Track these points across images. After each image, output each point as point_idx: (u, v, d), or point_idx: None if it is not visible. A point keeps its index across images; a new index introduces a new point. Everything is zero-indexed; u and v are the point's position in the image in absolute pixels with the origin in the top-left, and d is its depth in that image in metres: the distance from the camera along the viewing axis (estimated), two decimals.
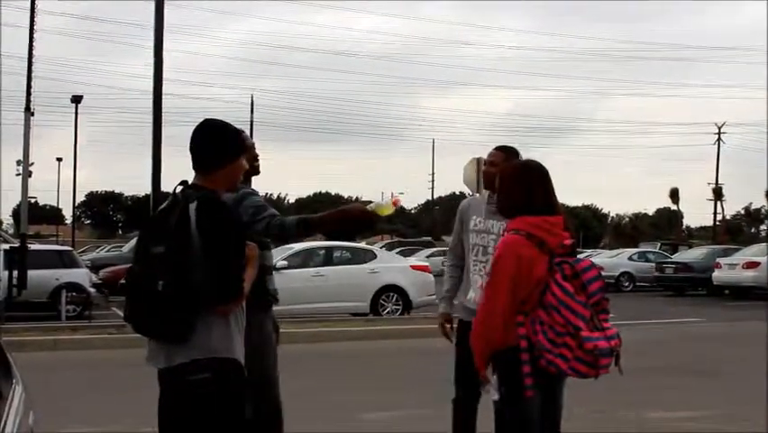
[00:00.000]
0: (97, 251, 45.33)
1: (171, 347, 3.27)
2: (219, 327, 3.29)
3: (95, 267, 26.18)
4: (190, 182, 3.43)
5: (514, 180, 3.88)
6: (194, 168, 3.46)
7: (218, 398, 3.27)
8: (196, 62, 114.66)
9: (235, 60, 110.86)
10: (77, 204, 62.54)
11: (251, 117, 49.61)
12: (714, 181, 66.13)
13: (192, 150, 3.45)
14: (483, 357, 3.77)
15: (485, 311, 3.74)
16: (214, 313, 3.26)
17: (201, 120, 3.50)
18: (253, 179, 4.48)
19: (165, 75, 14.97)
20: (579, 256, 3.87)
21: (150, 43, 15.05)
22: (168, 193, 3.45)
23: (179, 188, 3.39)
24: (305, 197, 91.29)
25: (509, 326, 3.67)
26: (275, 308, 4.63)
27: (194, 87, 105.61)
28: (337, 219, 3.84)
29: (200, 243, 3.21)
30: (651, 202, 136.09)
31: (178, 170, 3.54)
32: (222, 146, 3.44)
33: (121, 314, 3.61)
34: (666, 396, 8.68)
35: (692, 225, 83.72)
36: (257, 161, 4.51)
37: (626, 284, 30.53)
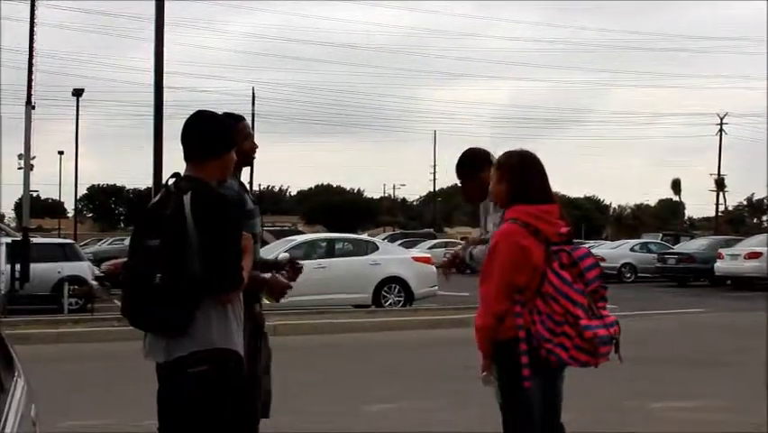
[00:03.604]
0: (99, 244, 45.46)
1: (170, 341, 3.27)
2: (217, 318, 3.29)
3: (97, 260, 26.27)
4: (182, 174, 3.44)
5: (508, 170, 3.87)
6: (185, 158, 3.47)
7: (218, 389, 3.27)
8: (199, 55, 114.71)
9: (238, 53, 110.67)
10: (78, 197, 62.50)
11: (253, 109, 49.55)
12: (716, 172, 66.08)
13: (184, 141, 3.46)
14: (484, 350, 3.79)
15: (482, 305, 3.76)
16: (211, 305, 3.26)
17: (193, 112, 3.51)
18: (248, 169, 4.48)
19: (167, 68, 15.07)
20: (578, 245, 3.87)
21: (152, 36, 15.05)
22: None
23: (172, 181, 3.39)
24: (306, 189, 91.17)
25: (508, 316, 3.67)
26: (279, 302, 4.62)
27: (197, 79, 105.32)
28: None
29: (196, 233, 3.21)
30: (653, 193, 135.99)
31: (180, 162, 3.54)
32: (214, 137, 3.45)
33: None
34: (668, 386, 8.69)
35: (694, 216, 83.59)
36: (255, 150, 4.50)
37: (628, 275, 30.49)
